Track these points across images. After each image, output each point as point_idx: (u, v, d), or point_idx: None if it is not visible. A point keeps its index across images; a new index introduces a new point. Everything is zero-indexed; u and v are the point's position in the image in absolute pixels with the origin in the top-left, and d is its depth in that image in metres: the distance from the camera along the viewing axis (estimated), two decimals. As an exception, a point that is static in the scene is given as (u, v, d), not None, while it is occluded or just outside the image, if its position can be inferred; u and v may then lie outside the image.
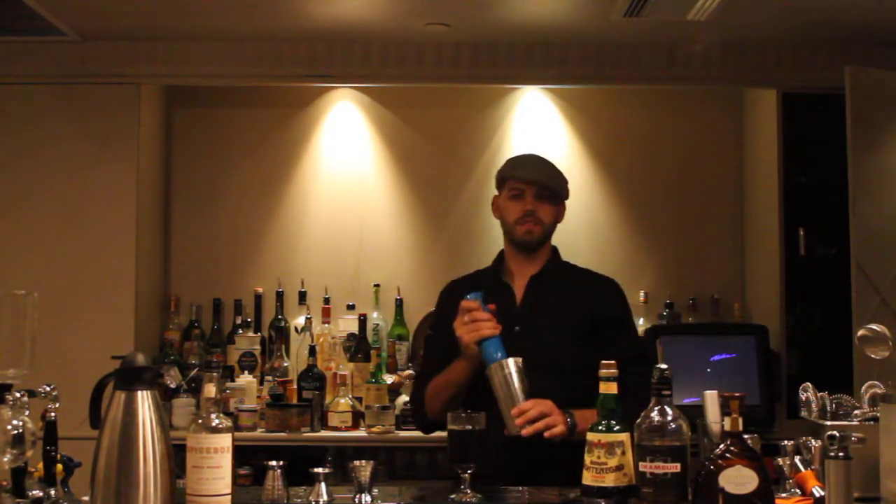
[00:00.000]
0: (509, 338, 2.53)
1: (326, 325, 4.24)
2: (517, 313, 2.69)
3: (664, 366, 2.00)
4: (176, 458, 1.97)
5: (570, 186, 4.35)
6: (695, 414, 2.12)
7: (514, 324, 2.63)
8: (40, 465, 2.09)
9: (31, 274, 3.91)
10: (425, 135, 4.47)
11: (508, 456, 2.48)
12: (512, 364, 2.45)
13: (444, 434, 2.35)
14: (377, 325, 4.27)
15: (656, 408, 1.97)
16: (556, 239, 4.28)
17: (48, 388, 2.07)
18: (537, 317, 2.68)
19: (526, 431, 2.40)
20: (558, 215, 2.81)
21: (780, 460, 2.18)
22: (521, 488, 2.40)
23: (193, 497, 1.96)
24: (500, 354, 2.47)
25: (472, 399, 2.52)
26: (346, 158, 4.46)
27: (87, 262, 4.00)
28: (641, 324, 4.24)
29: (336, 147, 4.46)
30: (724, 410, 1.94)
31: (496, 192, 2.84)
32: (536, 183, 2.72)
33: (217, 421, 1.99)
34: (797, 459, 2.17)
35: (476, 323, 2.51)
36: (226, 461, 1.98)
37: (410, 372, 4.03)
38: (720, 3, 3.47)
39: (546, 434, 2.41)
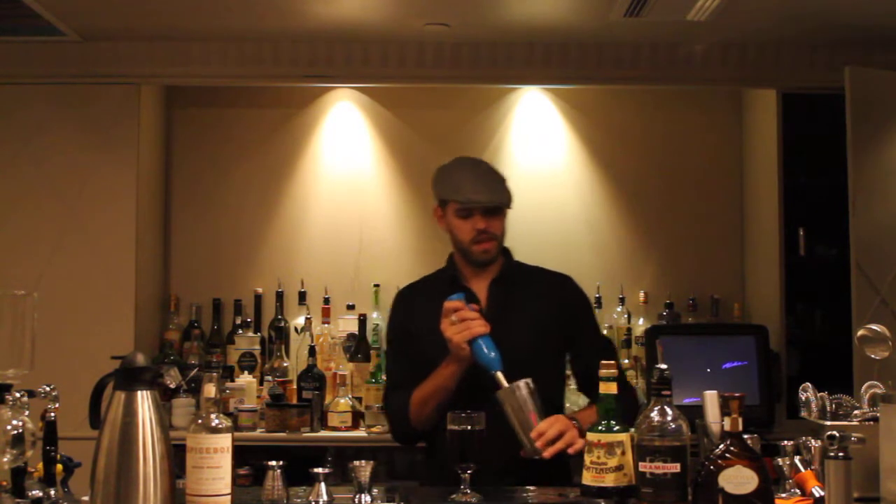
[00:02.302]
0: None
1: (326, 326, 4.24)
2: (485, 317, 2.63)
3: (664, 366, 2.00)
4: (176, 458, 1.97)
5: (570, 186, 4.44)
6: (695, 414, 2.12)
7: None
8: (40, 466, 2.09)
9: (31, 274, 3.91)
10: (425, 135, 4.46)
11: (512, 463, 2.46)
12: (524, 386, 2.41)
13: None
14: (377, 325, 4.26)
15: (656, 408, 1.97)
16: (555, 239, 4.34)
17: (48, 388, 2.07)
18: (504, 319, 2.66)
19: (547, 453, 2.37)
20: (505, 220, 2.77)
21: (779, 460, 2.18)
22: (519, 488, 2.40)
23: (193, 497, 1.96)
24: (493, 353, 2.45)
25: (467, 399, 2.48)
26: (346, 158, 4.46)
27: (87, 263, 4.00)
28: (642, 323, 4.25)
29: (336, 147, 4.46)
30: (724, 410, 1.94)
31: (435, 204, 2.78)
32: (483, 204, 2.67)
33: (217, 421, 1.99)
34: (797, 459, 2.17)
35: (465, 322, 2.48)
36: (226, 461, 1.98)
37: (410, 372, 4.03)
38: (720, 3, 3.47)
39: (570, 451, 2.38)
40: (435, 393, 2.60)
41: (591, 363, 2.33)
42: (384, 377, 4.03)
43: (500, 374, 2.44)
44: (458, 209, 2.68)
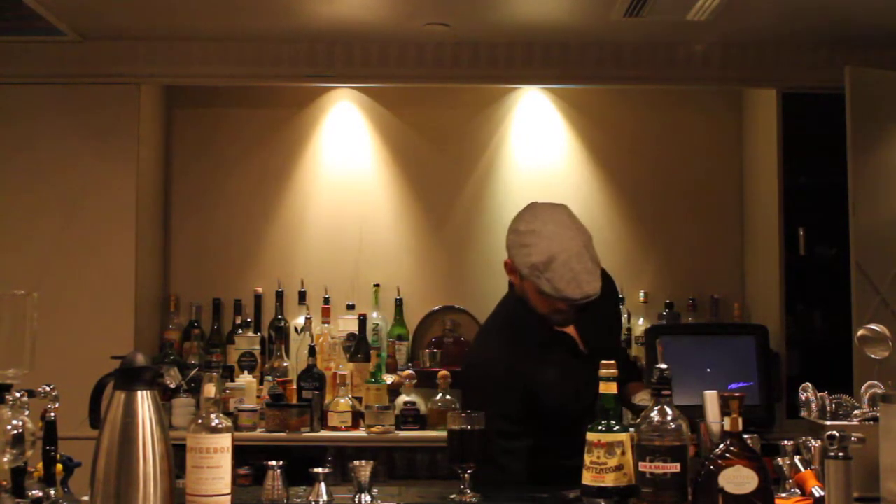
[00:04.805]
0: (589, 379, 2.34)
1: (326, 325, 4.24)
2: (585, 354, 2.60)
3: (664, 366, 2.00)
4: (176, 458, 1.97)
5: (570, 186, 4.43)
6: (695, 414, 2.12)
7: (587, 366, 2.42)
8: (40, 465, 2.09)
9: (31, 274, 3.91)
10: (425, 135, 4.47)
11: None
12: None
13: (443, 433, 2.34)
14: (377, 325, 4.27)
15: (656, 408, 1.97)
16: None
17: (48, 388, 2.07)
18: (598, 347, 2.57)
19: None
20: None
21: (779, 460, 2.18)
22: (519, 488, 2.39)
23: (193, 497, 1.96)
24: None
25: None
26: (346, 158, 4.46)
27: (86, 262, 4.00)
28: (641, 323, 4.25)
29: (336, 147, 4.46)
30: (724, 410, 1.94)
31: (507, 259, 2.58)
32: (577, 303, 2.48)
33: (217, 421, 1.99)
34: (797, 459, 2.16)
35: None
36: (226, 461, 1.98)
37: (410, 372, 4.03)
38: (720, 3, 3.47)
39: None
40: None
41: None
42: (384, 377, 4.04)
43: None
44: (543, 293, 2.48)
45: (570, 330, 2.64)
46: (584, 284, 2.47)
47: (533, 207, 2.62)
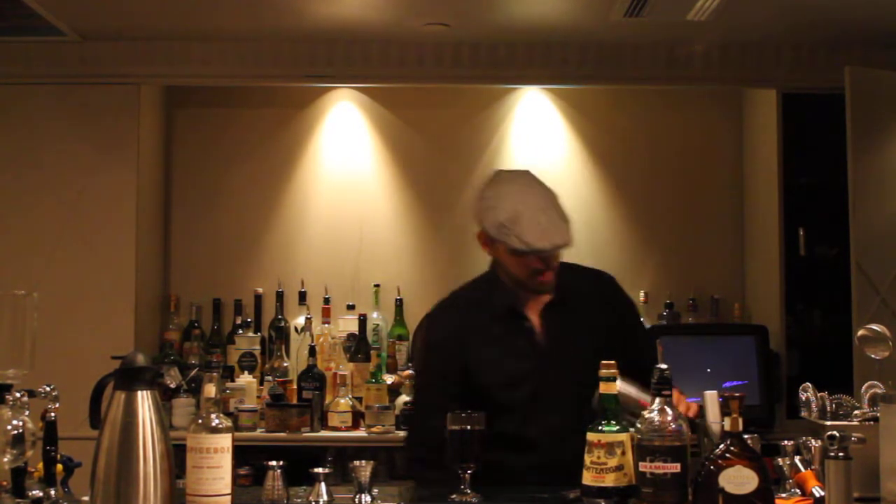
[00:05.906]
0: (536, 373, 2.43)
1: (326, 325, 4.24)
2: (543, 347, 2.53)
3: (664, 366, 2.00)
4: (176, 458, 1.97)
5: (570, 186, 4.43)
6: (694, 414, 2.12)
7: (541, 359, 2.49)
8: (40, 466, 2.09)
9: (31, 274, 3.91)
10: (425, 135, 4.47)
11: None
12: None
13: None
14: (377, 325, 4.27)
15: (656, 408, 1.97)
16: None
17: (48, 388, 2.07)
18: (562, 344, 2.52)
19: None
20: None
21: (780, 460, 2.18)
22: (519, 488, 2.39)
23: (193, 497, 1.96)
24: None
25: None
26: (346, 158, 4.46)
27: (87, 263, 4.00)
28: (641, 324, 4.25)
29: (336, 147, 4.46)
30: (724, 410, 1.94)
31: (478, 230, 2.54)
32: (547, 253, 2.43)
33: (217, 421, 1.99)
34: (797, 459, 2.16)
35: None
36: (226, 461, 1.98)
37: (410, 372, 4.03)
38: (720, 3, 3.47)
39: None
40: None
41: (642, 362, 2.20)
42: (385, 377, 4.05)
43: None
44: (514, 249, 2.45)
45: (535, 319, 2.56)
46: (554, 236, 2.45)
47: (497, 173, 2.66)
